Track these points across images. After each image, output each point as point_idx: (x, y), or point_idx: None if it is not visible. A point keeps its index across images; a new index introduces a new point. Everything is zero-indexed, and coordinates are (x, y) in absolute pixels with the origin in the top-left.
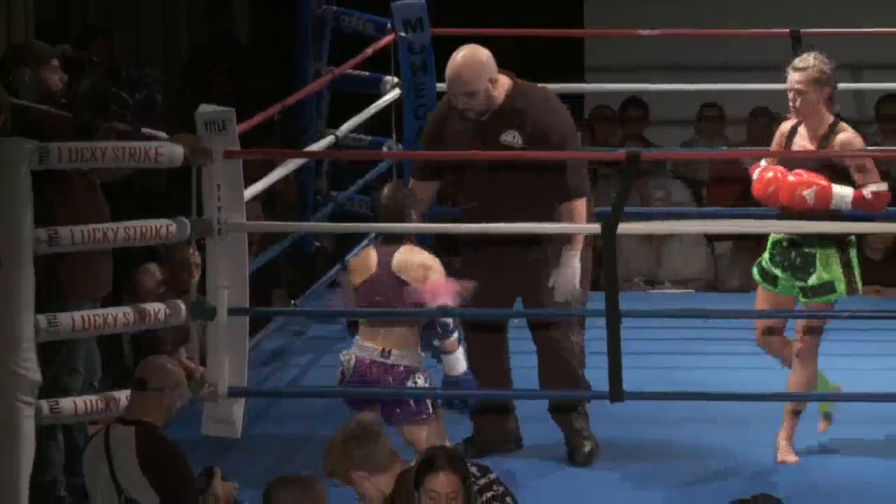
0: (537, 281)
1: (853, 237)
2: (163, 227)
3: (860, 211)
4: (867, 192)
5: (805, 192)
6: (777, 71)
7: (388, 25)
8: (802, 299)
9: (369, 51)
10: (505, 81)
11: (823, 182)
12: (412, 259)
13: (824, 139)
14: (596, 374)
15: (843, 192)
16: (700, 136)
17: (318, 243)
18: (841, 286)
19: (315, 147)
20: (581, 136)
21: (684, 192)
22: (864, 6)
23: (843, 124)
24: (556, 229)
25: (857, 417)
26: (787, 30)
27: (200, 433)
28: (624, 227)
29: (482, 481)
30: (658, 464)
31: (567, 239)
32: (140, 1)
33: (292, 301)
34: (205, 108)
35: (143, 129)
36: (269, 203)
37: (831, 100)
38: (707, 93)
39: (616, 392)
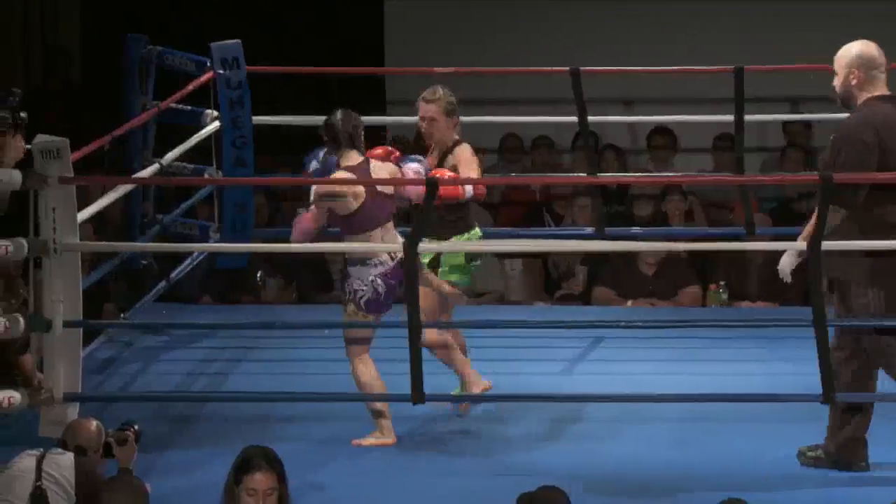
0: None
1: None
2: (1, 247)
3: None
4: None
5: None
6: (556, 104)
7: (208, 63)
8: None
9: (190, 87)
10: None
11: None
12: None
13: (446, 154)
14: (400, 379)
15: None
16: (503, 163)
17: (144, 262)
18: (455, 275)
19: (142, 174)
20: None
21: (479, 214)
22: (635, 45)
23: (463, 143)
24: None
25: (630, 417)
26: (568, 68)
27: (38, 434)
28: (423, 247)
29: None
30: (454, 455)
31: None
32: None
33: (122, 314)
34: (41, 138)
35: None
36: (100, 225)
37: (457, 125)
38: (505, 124)
39: (418, 394)
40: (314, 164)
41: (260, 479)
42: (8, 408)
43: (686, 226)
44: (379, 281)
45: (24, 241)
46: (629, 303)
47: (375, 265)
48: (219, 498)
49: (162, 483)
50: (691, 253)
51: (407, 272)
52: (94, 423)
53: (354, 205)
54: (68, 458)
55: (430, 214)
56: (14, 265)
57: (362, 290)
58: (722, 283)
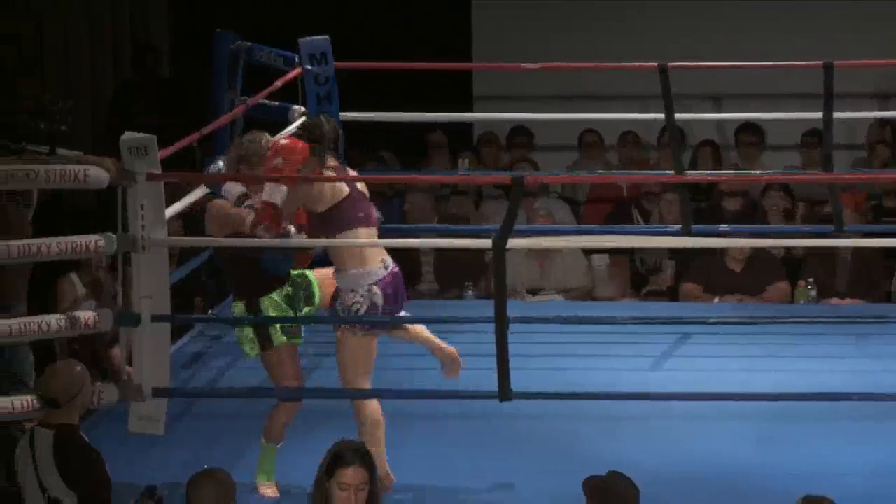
0: None
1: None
2: (92, 242)
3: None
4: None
5: None
6: (645, 99)
7: (296, 59)
8: None
9: (279, 83)
10: None
11: None
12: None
13: None
14: (486, 375)
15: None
16: (583, 159)
17: None
18: (245, 346)
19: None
20: (469, 160)
21: (565, 211)
22: (723, 41)
23: None
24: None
25: (717, 413)
26: (656, 63)
27: (128, 430)
28: (512, 243)
29: None
30: (540, 453)
31: None
32: (69, 40)
33: (210, 309)
34: (129, 135)
35: (59, 150)
36: (189, 220)
37: None
38: (586, 119)
39: (504, 392)
40: (215, 167)
41: (352, 474)
42: (98, 402)
43: (786, 224)
44: (376, 290)
45: (113, 237)
46: (716, 299)
47: (369, 273)
48: (306, 491)
49: (250, 477)
50: (787, 250)
51: (496, 269)
52: (76, 368)
53: (332, 201)
54: (49, 434)
55: (516, 211)
56: (103, 260)
57: (358, 303)
58: (810, 279)
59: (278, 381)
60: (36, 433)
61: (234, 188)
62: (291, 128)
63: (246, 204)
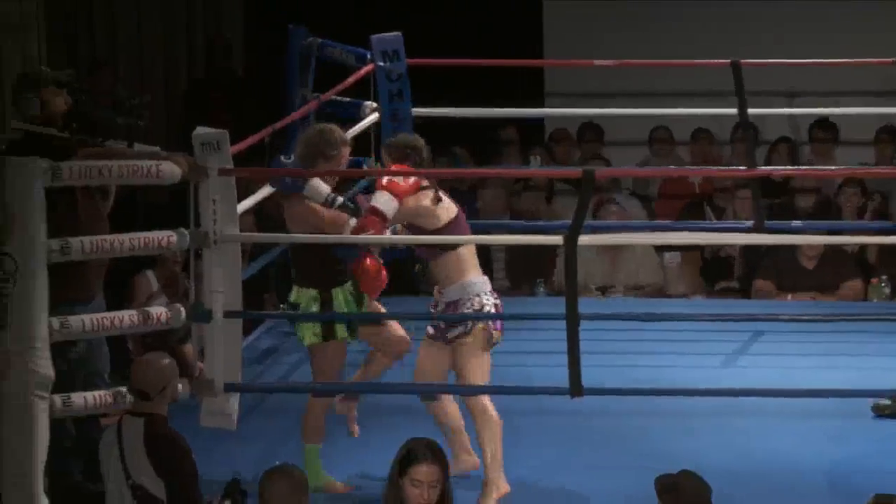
0: None
1: (348, 280)
2: (164, 238)
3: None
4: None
5: None
6: (716, 97)
7: (368, 56)
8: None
9: (351, 79)
10: None
11: None
12: None
13: None
14: (557, 371)
15: None
16: (653, 156)
17: None
18: (305, 332)
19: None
20: (541, 156)
21: (637, 208)
22: (796, 38)
23: None
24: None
25: (789, 411)
26: (729, 60)
27: (200, 424)
28: (584, 240)
29: None
30: (611, 449)
31: None
32: (143, 37)
33: (282, 304)
34: (201, 130)
35: (136, 145)
36: (261, 215)
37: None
38: (657, 116)
39: (576, 387)
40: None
41: (425, 471)
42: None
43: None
44: (495, 294)
45: (185, 233)
46: (789, 296)
47: (487, 281)
48: (380, 489)
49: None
50: (861, 247)
51: (567, 266)
52: (163, 362)
53: (445, 220)
54: (139, 422)
55: (587, 205)
56: (179, 256)
57: (489, 304)
58: (884, 276)
59: (320, 373)
60: (124, 421)
61: (319, 186)
62: (364, 123)
63: (338, 204)
